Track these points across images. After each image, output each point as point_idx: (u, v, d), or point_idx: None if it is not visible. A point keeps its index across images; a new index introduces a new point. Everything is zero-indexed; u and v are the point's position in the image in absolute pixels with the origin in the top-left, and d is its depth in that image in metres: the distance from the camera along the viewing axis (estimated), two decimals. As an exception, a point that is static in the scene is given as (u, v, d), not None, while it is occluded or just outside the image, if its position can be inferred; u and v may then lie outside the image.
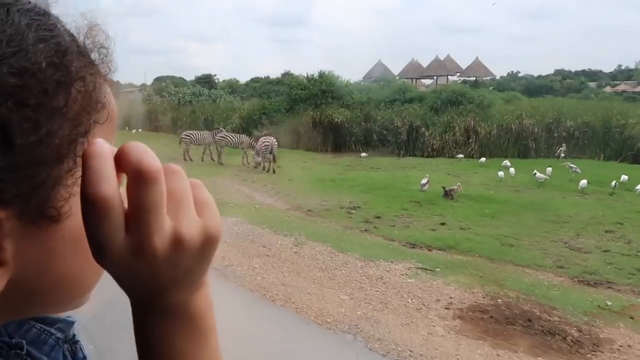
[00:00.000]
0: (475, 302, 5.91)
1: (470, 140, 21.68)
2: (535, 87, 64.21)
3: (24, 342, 0.49)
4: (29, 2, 0.41)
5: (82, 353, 0.57)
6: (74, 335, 0.57)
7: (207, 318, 0.46)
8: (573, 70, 79.81)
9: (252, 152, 18.03)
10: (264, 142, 16.73)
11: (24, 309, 0.46)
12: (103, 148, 0.37)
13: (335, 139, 24.43)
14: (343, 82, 30.20)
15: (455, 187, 12.49)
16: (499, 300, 5.97)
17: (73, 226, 0.42)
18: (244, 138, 18.56)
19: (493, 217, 10.88)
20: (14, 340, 0.48)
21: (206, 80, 54.18)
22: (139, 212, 0.37)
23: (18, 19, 0.39)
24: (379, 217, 10.76)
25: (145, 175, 0.37)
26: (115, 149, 0.39)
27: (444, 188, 12.66)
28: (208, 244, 0.42)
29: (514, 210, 11.50)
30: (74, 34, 0.45)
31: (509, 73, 79.89)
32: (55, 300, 0.47)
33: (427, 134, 22.33)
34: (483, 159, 19.19)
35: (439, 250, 8.47)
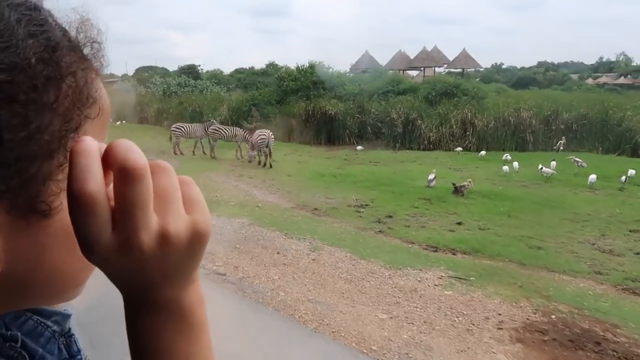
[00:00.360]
0: (528, 319, 5.24)
1: (467, 132, 21.08)
2: (519, 79, 64.05)
3: (19, 334, 0.48)
4: None
5: (77, 346, 0.55)
6: (69, 329, 0.55)
7: (199, 314, 0.45)
8: (556, 62, 79.92)
9: (247, 145, 17.17)
10: (260, 135, 15.88)
11: (14, 302, 0.45)
12: (90, 145, 0.37)
13: (328, 132, 23.64)
14: (334, 73, 29.36)
15: (465, 183, 11.84)
16: (553, 317, 5.30)
17: (64, 221, 0.41)
18: (238, 131, 17.67)
19: (510, 215, 10.25)
20: (9, 332, 0.47)
21: (190, 71, 52.86)
22: (125, 209, 0.37)
23: (8, 13, 0.39)
24: (390, 217, 10.06)
25: (130, 172, 0.36)
26: (103, 146, 0.38)
27: (454, 184, 12.00)
28: (197, 240, 0.41)
29: (529, 207, 10.89)
30: (66, 28, 0.44)
31: (492, 65, 79.75)
32: (47, 293, 0.47)
33: (423, 126, 21.66)
34: (483, 152, 18.62)
35: (464, 254, 7.79)
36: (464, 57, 49.97)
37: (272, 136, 16.05)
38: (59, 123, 0.40)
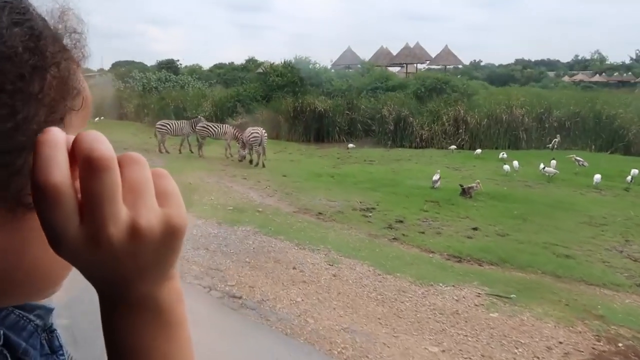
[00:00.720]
0: (594, 348, 4.58)
1: (460, 130, 20.54)
2: (497, 76, 64.03)
3: (1, 330, 0.46)
4: None
5: (59, 342, 0.54)
6: (51, 324, 0.54)
7: (177, 312, 0.43)
8: (532, 59, 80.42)
9: (237, 143, 16.28)
10: (253, 133, 15.01)
11: None
12: (56, 136, 0.36)
13: (318, 129, 22.84)
14: (321, 69, 28.56)
15: (474, 184, 11.21)
16: (620, 345, 4.66)
17: None
18: (228, 128, 16.76)
19: (525, 219, 9.65)
20: None
21: (169, 66, 51.40)
22: (91, 201, 0.35)
23: None
24: (401, 221, 9.37)
25: (95, 163, 0.35)
26: (72, 138, 0.37)
27: (461, 186, 11.37)
28: (171, 235, 0.39)
29: (541, 210, 10.31)
30: (46, 18, 0.43)
31: (471, 62, 79.67)
32: (26, 291, 0.46)
33: (415, 124, 21.04)
34: (479, 151, 18.08)
35: (491, 265, 7.15)
36: (446, 54, 49.66)
37: (266, 134, 15.20)
38: (44, 114, 0.39)
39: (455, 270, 6.75)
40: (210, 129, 16.70)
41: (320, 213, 9.88)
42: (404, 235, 8.51)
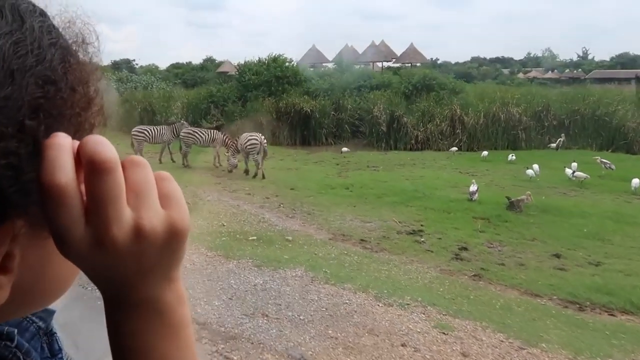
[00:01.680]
0: None
1: (457, 130, 19.02)
2: (455, 74, 63.66)
3: (15, 331, 0.46)
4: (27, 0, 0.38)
5: (58, 345, 0.53)
6: (51, 327, 0.53)
7: (179, 313, 0.42)
8: (487, 57, 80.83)
9: (226, 151, 14.06)
10: (250, 139, 12.83)
11: (13, 311, 0.44)
12: (61, 139, 0.36)
13: (303, 131, 20.81)
14: (299, 67, 26.47)
15: (524, 197, 9.55)
16: None
17: None
18: (217, 134, 14.46)
19: (602, 239, 8.09)
20: (6, 328, 0.45)
21: (125, 66, 47.94)
22: (95, 203, 0.35)
23: (31, 23, 0.37)
24: (465, 248, 7.58)
25: (98, 166, 0.35)
26: (77, 143, 0.36)
27: (508, 199, 9.69)
28: (174, 236, 0.38)
29: (608, 226, 8.79)
30: (59, 28, 0.41)
31: (429, 60, 79.06)
32: (44, 301, 0.46)
33: (409, 124, 19.35)
34: (485, 153, 16.56)
35: (625, 313, 5.44)
36: (412, 51, 48.49)
37: (265, 141, 13.04)
38: (71, 133, 0.37)
39: (598, 328, 4.98)
40: (197, 135, 14.37)
41: (363, 240, 7.94)
42: (483, 269, 6.70)
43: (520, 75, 62.87)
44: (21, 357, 0.46)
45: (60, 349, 0.53)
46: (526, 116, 18.90)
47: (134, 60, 56.08)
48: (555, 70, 65.74)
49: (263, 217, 9.17)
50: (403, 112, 19.76)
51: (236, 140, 13.58)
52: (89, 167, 0.35)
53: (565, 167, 13.17)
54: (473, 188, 10.34)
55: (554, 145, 18.03)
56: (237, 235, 7.88)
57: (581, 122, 18.52)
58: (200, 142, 14.36)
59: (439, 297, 5.62)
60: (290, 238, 7.83)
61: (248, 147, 12.80)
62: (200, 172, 14.00)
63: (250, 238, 7.73)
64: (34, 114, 0.35)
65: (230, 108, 23.82)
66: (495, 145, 18.56)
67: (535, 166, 13.35)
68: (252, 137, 12.84)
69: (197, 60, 57.58)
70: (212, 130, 14.70)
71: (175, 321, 0.42)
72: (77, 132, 0.39)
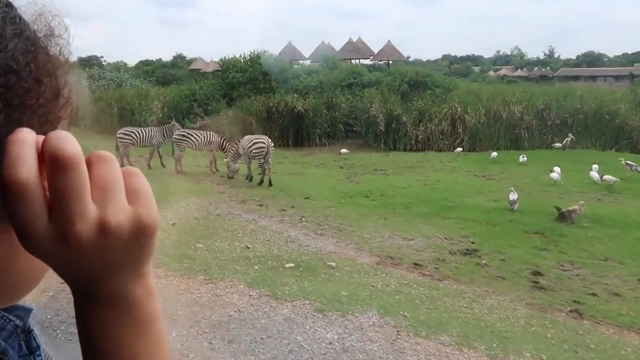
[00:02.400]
0: None
1: (459, 130, 18.00)
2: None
3: None
4: None
5: (36, 342, 0.51)
6: (28, 325, 0.51)
7: (149, 308, 0.42)
8: (458, 55, 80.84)
9: (225, 155, 12.58)
10: (256, 143, 11.38)
11: None
12: (24, 134, 0.35)
13: (296, 131, 19.40)
14: (286, 64, 25.02)
15: (577, 207, 8.49)
16: None
17: None
18: (213, 137, 12.93)
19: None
20: None
21: (92, 63, 45.31)
22: (58, 199, 0.35)
23: None
24: (538, 273, 6.45)
25: (61, 161, 0.34)
26: (42, 138, 0.36)
27: (557, 209, 8.61)
28: (141, 232, 0.38)
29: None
30: (28, 21, 0.40)
31: (405, 57, 78.55)
32: (12, 295, 0.45)
33: (409, 124, 18.22)
34: (494, 154, 15.55)
35: None
36: (389, 49, 47.43)
37: (272, 144, 11.61)
38: (38, 124, 0.38)
39: None
40: (192, 137, 12.79)
41: (416, 264, 6.68)
42: (577, 302, 5.55)
43: (491, 73, 62.94)
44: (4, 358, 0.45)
45: (38, 346, 0.50)
46: (528, 115, 18.03)
47: (101, 57, 53.19)
48: (525, 68, 66.15)
49: (289, 236, 7.79)
50: (401, 111, 18.60)
51: (237, 144, 12.11)
52: (52, 162, 0.34)
53: (591, 171, 12.24)
54: (513, 196, 9.23)
55: (558, 144, 17.24)
56: (270, 262, 6.50)
57: (584, 121, 17.77)
58: (196, 145, 12.81)
59: (557, 349, 4.42)
60: (332, 264, 6.49)
61: (254, 151, 11.35)
62: (197, 178, 12.46)
63: (287, 265, 6.36)
64: None
65: (214, 107, 22.21)
66: (497, 145, 17.66)
67: (557, 169, 12.41)
68: (259, 141, 11.39)
69: (167, 57, 55.30)
70: (208, 133, 13.14)
71: (145, 316, 0.41)
72: (42, 125, 0.39)
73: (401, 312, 4.95)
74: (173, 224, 8.17)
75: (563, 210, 8.52)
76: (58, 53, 0.42)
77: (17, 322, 0.48)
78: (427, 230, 8.24)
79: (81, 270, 0.38)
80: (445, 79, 22.64)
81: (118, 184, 0.38)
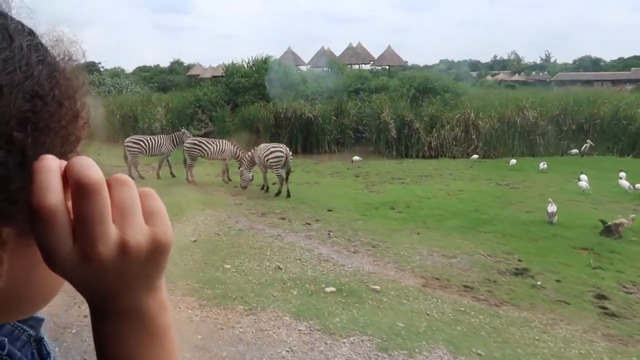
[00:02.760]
0: None
1: (473, 136, 17.45)
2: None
3: (5, 340, 0.47)
4: (14, 19, 0.40)
5: (47, 349, 0.53)
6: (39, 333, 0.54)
7: (162, 320, 0.43)
8: (455, 60, 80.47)
9: (238, 164, 11.95)
10: (274, 152, 10.75)
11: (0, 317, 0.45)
12: (49, 162, 0.37)
13: (304, 138, 18.78)
14: (291, 69, 24.43)
15: (624, 220, 7.91)
16: None
17: None
18: (227, 145, 12.30)
19: None
20: None
21: (90, 69, 44.62)
22: (82, 222, 0.36)
23: (19, 41, 0.38)
24: (603, 297, 5.86)
25: (85, 187, 0.36)
26: (65, 163, 0.38)
27: (603, 222, 8.04)
28: (157, 251, 0.40)
29: None
30: (47, 45, 0.42)
31: (406, 62, 78.21)
32: (30, 307, 0.46)
33: (421, 130, 17.65)
34: (513, 161, 14.99)
35: None
36: (390, 54, 47.05)
37: (290, 153, 10.98)
38: (59, 146, 0.39)
39: None
40: (204, 146, 12.14)
41: (467, 287, 6.07)
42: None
43: (489, 77, 62.65)
44: None
45: (48, 353, 0.52)
46: (543, 120, 17.51)
47: (99, 63, 52.53)
48: (522, 73, 65.93)
49: (320, 254, 7.17)
50: (413, 117, 18.04)
51: (251, 152, 11.49)
52: (76, 188, 0.36)
53: (620, 179, 11.69)
54: (552, 208, 8.66)
55: (575, 150, 16.72)
56: (308, 286, 5.87)
57: (600, 126, 17.27)
58: (208, 154, 12.16)
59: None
60: (376, 287, 5.87)
61: (271, 160, 10.72)
62: (210, 189, 11.81)
63: (328, 290, 5.73)
64: (21, 126, 0.36)
65: (219, 113, 21.58)
66: (512, 152, 17.13)
67: (584, 177, 11.87)
68: (277, 149, 10.76)
69: (164, 63, 54.78)
70: (221, 141, 12.50)
71: (159, 328, 0.43)
72: (64, 145, 0.40)
73: (473, 349, 4.33)
74: (194, 240, 7.53)
75: (609, 223, 7.95)
76: (76, 76, 0.43)
77: (31, 331, 0.50)
78: (466, 246, 7.64)
79: (100, 286, 0.39)
80: (454, 84, 22.11)
81: (136, 206, 0.39)
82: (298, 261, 6.81)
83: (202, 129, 21.03)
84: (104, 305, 0.41)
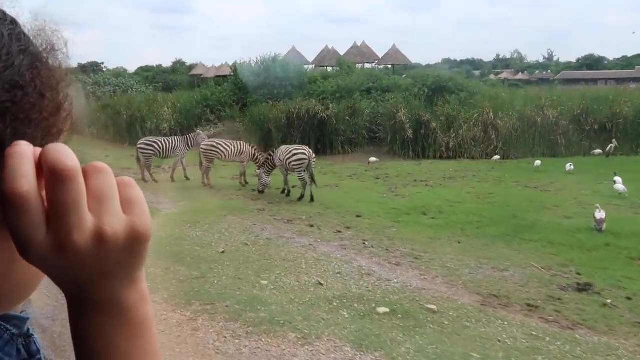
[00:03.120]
0: None
1: (492, 136, 16.84)
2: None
3: None
4: None
5: (36, 346, 0.51)
6: (28, 329, 0.51)
7: (142, 312, 0.42)
8: (458, 59, 79.92)
9: (257, 167, 11.33)
10: (297, 154, 10.13)
11: None
12: (22, 148, 0.36)
13: (317, 139, 18.13)
14: (300, 68, 23.80)
15: (683, 228, 7.32)
16: None
17: None
18: (245, 147, 11.68)
19: None
20: None
21: (93, 69, 43.98)
22: (56, 210, 0.35)
23: (1, 31, 0.37)
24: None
25: (59, 174, 0.35)
26: (39, 150, 0.36)
27: (658, 229, 7.45)
28: (135, 240, 0.38)
29: None
30: (30, 35, 0.41)
31: (411, 61, 77.57)
32: (5, 304, 0.45)
33: (439, 130, 17.04)
34: (538, 162, 14.37)
35: None
36: (395, 53, 46.44)
37: (314, 155, 10.37)
38: (39, 138, 0.39)
39: None
40: (222, 148, 11.51)
41: (530, 305, 5.47)
42: None
43: (492, 76, 62.06)
44: None
45: (38, 350, 0.51)
46: (564, 120, 16.90)
47: (102, 63, 51.85)
48: (526, 72, 65.34)
49: (360, 266, 6.56)
50: (429, 117, 17.43)
51: (271, 155, 10.87)
52: (51, 175, 0.35)
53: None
54: (600, 215, 8.06)
55: (598, 151, 16.12)
56: (357, 306, 5.27)
57: (624, 126, 16.67)
58: (225, 156, 11.54)
59: None
60: (433, 308, 5.27)
61: (293, 163, 10.10)
62: (227, 193, 11.19)
63: (381, 311, 5.12)
64: (0, 117, 0.35)
65: (227, 113, 20.94)
66: (532, 152, 16.53)
67: (619, 179, 11.27)
68: (299, 152, 10.14)
69: (166, 63, 54.16)
70: (239, 142, 11.88)
71: (139, 320, 0.41)
72: (45, 137, 0.39)
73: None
74: (222, 252, 6.93)
75: (666, 231, 7.35)
76: (58, 67, 0.42)
77: (14, 330, 0.48)
78: (515, 257, 7.04)
79: (77, 277, 0.38)
80: (469, 83, 21.49)
81: (113, 194, 0.38)
82: (338, 275, 6.21)
83: (211, 129, 20.38)
84: (81, 295, 0.39)
